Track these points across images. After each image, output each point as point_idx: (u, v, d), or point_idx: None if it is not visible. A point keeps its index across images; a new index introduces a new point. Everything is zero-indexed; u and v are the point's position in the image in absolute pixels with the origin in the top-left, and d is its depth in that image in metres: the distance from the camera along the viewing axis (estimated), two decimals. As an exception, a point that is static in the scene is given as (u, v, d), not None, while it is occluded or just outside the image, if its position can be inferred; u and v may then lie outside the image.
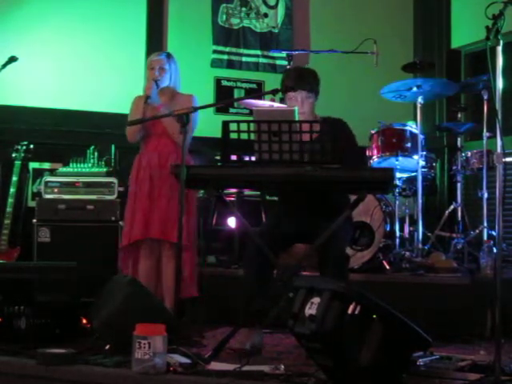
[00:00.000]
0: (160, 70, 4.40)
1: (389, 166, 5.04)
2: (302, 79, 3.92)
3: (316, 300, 2.75)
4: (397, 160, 5.07)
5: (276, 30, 6.77)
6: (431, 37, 6.88)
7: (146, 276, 4.31)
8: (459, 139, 5.42)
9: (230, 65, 6.63)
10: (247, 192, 5.43)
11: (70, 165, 5.13)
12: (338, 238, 3.59)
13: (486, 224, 5.05)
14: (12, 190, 5.10)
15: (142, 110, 4.31)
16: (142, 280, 4.12)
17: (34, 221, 4.90)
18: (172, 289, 4.13)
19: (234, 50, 6.63)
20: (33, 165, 5.50)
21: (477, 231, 5.11)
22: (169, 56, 4.50)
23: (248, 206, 5.36)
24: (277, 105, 5.11)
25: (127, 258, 4.39)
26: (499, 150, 2.92)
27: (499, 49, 2.93)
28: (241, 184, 4.05)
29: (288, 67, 5.38)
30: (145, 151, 4.43)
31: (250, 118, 3.57)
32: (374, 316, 2.70)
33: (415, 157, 5.07)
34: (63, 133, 5.91)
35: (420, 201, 5.08)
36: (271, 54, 6.64)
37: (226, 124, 3.38)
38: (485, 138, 5.11)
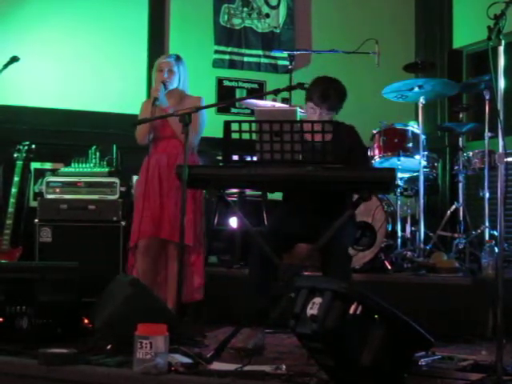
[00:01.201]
0: (169, 73, 4.40)
1: (390, 166, 5.04)
2: (325, 98, 3.86)
3: (318, 300, 2.75)
4: (399, 160, 5.07)
5: (278, 30, 6.77)
6: (433, 37, 6.88)
7: (141, 274, 4.27)
8: (461, 139, 5.41)
9: (232, 65, 6.63)
10: (249, 192, 5.43)
11: (72, 165, 5.12)
12: (340, 238, 3.59)
13: (487, 224, 5.05)
14: (14, 190, 5.09)
15: (149, 112, 4.25)
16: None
17: (36, 221, 4.90)
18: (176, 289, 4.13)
19: (235, 50, 6.63)
20: (34, 165, 5.48)
21: (478, 231, 5.11)
22: (178, 59, 4.49)
23: (250, 206, 5.36)
24: (278, 105, 5.12)
25: (134, 258, 4.38)
26: (501, 149, 2.93)
27: (501, 49, 2.93)
28: (242, 184, 4.05)
29: (292, 65, 5.41)
30: (154, 152, 4.40)
31: (252, 118, 3.56)
32: (376, 316, 2.70)
33: (417, 157, 5.07)
34: (65, 133, 5.92)
35: (422, 201, 5.08)
36: (273, 54, 6.64)
37: (227, 124, 3.38)
38: (486, 138, 5.10)
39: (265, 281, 3.62)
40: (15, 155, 5.20)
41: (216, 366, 3.07)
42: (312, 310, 2.75)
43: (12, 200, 5.07)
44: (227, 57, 6.61)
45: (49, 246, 4.84)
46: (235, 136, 3.39)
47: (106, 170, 5.08)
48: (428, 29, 6.92)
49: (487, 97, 5.15)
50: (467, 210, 5.37)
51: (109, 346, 3.36)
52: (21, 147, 5.22)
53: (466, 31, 6.61)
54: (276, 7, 6.79)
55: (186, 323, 4.01)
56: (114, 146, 5.41)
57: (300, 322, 2.81)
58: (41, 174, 5.38)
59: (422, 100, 5.17)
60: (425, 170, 5.14)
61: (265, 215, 5.27)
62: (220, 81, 6.60)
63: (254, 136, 3.38)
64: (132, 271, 4.37)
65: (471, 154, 5.25)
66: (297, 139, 3.32)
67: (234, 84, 6.65)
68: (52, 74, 5.99)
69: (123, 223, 4.77)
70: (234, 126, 3.37)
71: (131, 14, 6.29)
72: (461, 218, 5.30)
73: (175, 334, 3.13)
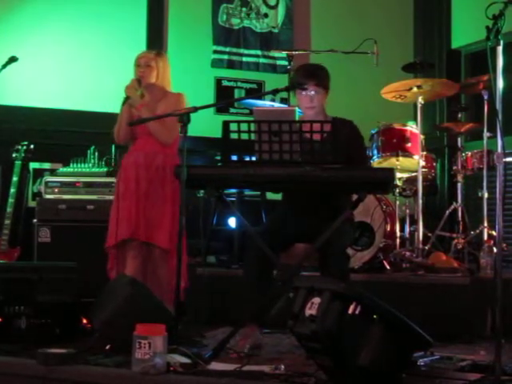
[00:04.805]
0: (146, 67, 4.27)
1: (389, 166, 5.03)
2: (311, 73, 3.86)
3: (316, 300, 2.75)
4: (397, 160, 5.07)
5: (276, 30, 6.77)
6: (431, 37, 6.89)
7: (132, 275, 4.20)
8: (459, 139, 5.41)
9: (231, 65, 6.64)
10: (247, 192, 5.43)
11: (71, 165, 5.13)
12: (338, 238, 3.59)
13: (486, 224, 5.05)
14: (12, 190, 5.09)
15: (123, 113, 4.21)
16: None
17: (35, 221, 4.90)
18: (170, 290, 4.10)
19: (234, 50, 6.64)
20: (33, 165, 5.49)
21: (477, 231, 5.11)
22: (158, 54, 4.38)
23: (248, 206, 5.36)
24: (277, 105, 5.13)
25: (114, 258, 4.26)
26: (499, 149, 2.93)
27: (499, 49, 2.93)
28: (241, 184, 4.05)
29: (291, 65, 5.37)
30: (132, 150, 4.33)
31: (251, 118, 3.57)
32: (375, 316, 2.70)
33: (415, 157, 5.07)
34: (63, 133, 5.92)
35: (420, 201, 5.08)
36: (271, 54, 6.65)
37: (226, 124, 3.38)
38: (485, 138, 5.10)
39: (261, 280, 3.62)
40: (14, 155, 5.20)
41: (215, 366, 3.06)
42: (311, 310, 2.75)
43: (11, 200, 5.07)
44: (226, 57, 6.61)
45: (47, 246, 4.84)
46: (234, 136, 3.40)
47: (105, 170, 5.08)
48: (426, 29, 6.92)
49: (486, 97, 5.15)
50: (466, 209, 5.36)
51: (107, 346, 3.36)
52: (19, 147, 5.22)
53: (465, 31, 6.62)
54: (274, 7, 6.79)
55: (185, 323, 4.00)
56: (113, 146, 5.41)
57: (298, 322, 2.81)
58: (39, 174, 5.39)
59: (420, 100, 5.17)
60: (423, 170, 5.13)
61: (263, 215, 5.27)
62: (219, 81, 6.60)
63: (253, 136, 3.38)
64: (111, 274, 4.24)
65: (470, 154, 5.25)
66: (295, 139, 3.33)
67: (232, 84, 6.65)
68: (50, 74, 5.99)
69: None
70: (233, 126, 3.37)
71: (129, 14, 6.29)
72: (459, 218, 5.30)
73: (174, 334, 3.13)
